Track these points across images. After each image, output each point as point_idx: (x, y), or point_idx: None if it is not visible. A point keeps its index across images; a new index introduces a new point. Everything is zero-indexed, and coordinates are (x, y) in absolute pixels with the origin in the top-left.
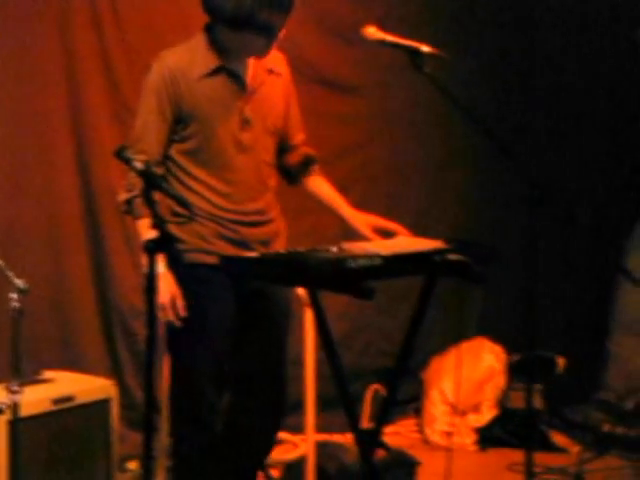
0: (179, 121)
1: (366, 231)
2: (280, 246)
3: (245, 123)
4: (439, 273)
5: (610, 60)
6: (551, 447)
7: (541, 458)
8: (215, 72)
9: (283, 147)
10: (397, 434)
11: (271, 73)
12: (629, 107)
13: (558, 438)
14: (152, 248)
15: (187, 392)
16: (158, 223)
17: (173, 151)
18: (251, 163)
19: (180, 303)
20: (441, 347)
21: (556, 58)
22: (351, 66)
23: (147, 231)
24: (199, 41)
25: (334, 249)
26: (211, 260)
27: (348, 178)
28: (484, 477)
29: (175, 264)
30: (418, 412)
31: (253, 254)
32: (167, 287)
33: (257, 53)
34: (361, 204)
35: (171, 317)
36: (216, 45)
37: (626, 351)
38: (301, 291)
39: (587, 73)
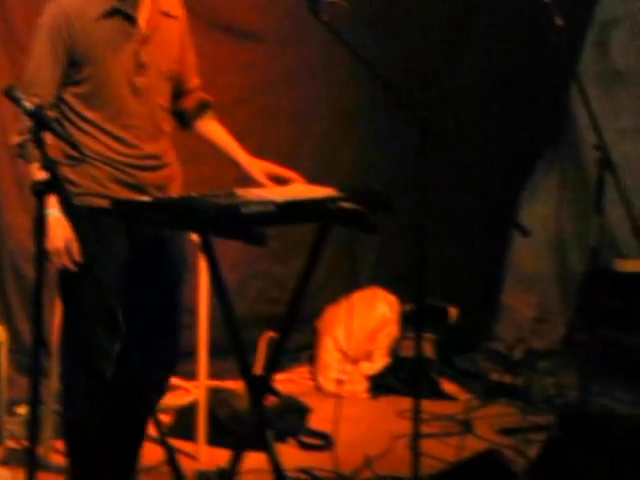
0: (73, 63)
1: (261, 178)
2: (175, 191)
3: (140, 67)
4: (332, 221)
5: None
6: (441, 395)
7: (431, 405)
8: (110, 14)
9: (178, 91)
10: (290, 381)
11: (167, 16)
12: (530, 65)
13: (448, 386)
14: (40, 190)
15: (78, 337)
16: (47, 165)
17: (67, 94)
18: (146, 107)
19: (75, 247)
20: (336, 296)
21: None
22: (250, 11)
23: (39, 174)
24: None
25: (227, 195)
26: (105, 204)
27: (246, 125)
28: (374, 423)
29: (68, 207)
30: (312, 360)
31: (146, 198)
32: (62, 231)
33: None
34: (259, 152)
35: (66, 262)
36: None
37: (516, 302)
38: (195, 237)
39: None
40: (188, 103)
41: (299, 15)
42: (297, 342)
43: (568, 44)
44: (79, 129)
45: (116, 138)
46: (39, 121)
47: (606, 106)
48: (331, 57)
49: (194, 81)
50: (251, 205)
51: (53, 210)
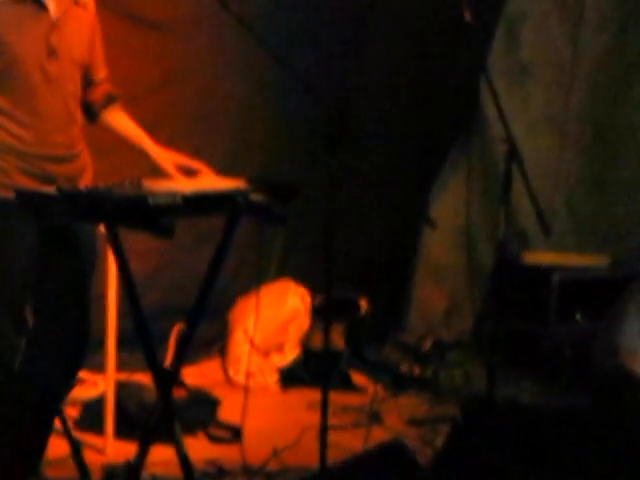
0: None
1: (170, 169)
2: (86, 182)
3: (52, 53)
4: (241, 213)
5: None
6: (351, 386)
7: (340, 397)
8: None
9: (86, 82)
10: (201, 374)
11: (77, 5)
12: (441, 59)
13: (358, 378)
14: None
15: None
16: None
17: None
18: (57, 94)
19: None
20: (247, 287)
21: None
22: (158, 1)
23: None
24: None
25: (134, 186)
26: (11, 195)
27: (156, 117)
28: (283, 415)
29: None
30: (223, 352)
31: (51, 190)
32: None
33: None
34: (169, 144)
35: None
36: None
37: (426, 294)
38: (102, 228)
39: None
40: (95, 95)
41: (208, 5)
42: (209, 334)
43: (478, 38)
44: None
45: (26, 126)
46: None
47: (515, 99)
48: (241, 48)
49: (102, 72)
50: (158, 197)
51: None
